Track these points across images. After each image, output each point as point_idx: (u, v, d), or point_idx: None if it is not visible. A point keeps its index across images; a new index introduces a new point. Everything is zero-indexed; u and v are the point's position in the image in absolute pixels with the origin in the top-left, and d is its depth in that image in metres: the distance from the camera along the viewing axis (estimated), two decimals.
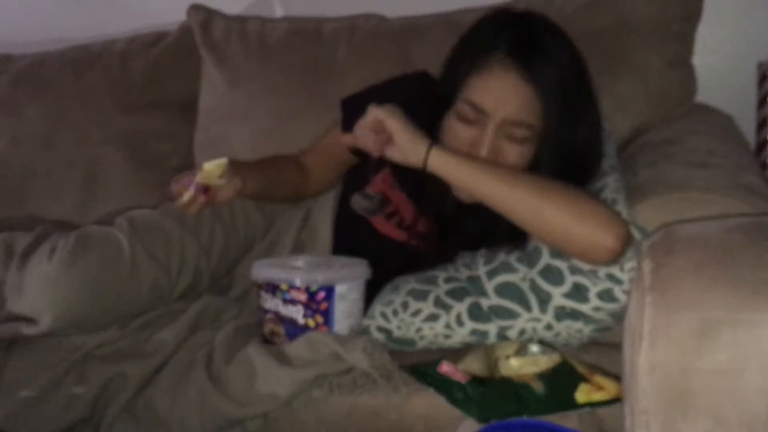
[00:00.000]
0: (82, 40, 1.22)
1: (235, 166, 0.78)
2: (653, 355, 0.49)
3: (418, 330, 0.72)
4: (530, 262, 0.69)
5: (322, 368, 0.68)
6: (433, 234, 0.78)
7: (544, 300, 0.68)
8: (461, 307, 0.71)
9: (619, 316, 0.68)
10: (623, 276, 0.65)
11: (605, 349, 0.71)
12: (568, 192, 0.65)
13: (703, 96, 1.00)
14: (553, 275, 0.68)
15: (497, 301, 0.70)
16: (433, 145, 0.68)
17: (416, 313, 0.72)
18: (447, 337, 0.72)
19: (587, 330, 0.69)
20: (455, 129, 0.72)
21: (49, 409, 0.68)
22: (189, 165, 1.15)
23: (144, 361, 0.71)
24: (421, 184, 0.74)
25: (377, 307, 0.74)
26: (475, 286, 0.71)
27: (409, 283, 0.74)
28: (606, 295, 0.66)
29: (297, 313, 0.72)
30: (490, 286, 0.70)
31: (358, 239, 0.83)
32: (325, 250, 0.84)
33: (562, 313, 0.68)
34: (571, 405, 0.62)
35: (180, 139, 1.16)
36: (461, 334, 0.71)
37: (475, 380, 0.63)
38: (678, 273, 0.50)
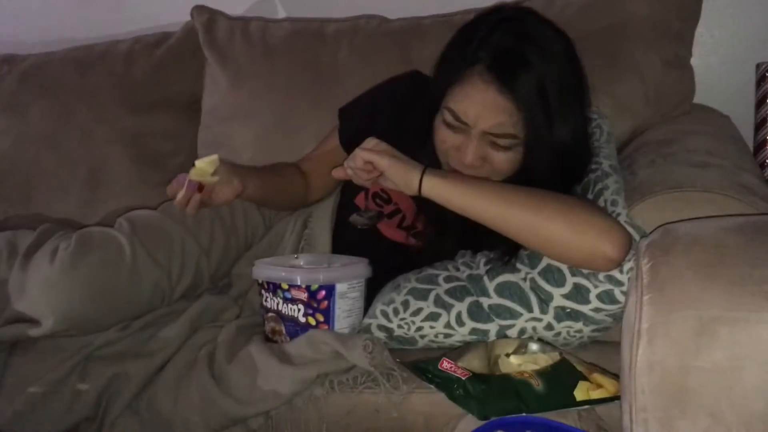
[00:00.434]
0: (87, 40, 1.23)
1: (236, 169, 0.79)
2: (651, 354, 0.49)
3: (419, 329, 0.72)
4: (531, 263, 0.70)
5: (323, 366, 0.68)
6: (432, 233, 0.78)
7: (544, 300, 0.69)
8: (462, 307, 0.71)
9: (618, 317, 0.68)
10: (623, 278, 0.65)
11: (604, 347, 0.72)
12: (565, 205, 0.65)
13: (701, 96, 1.00)
14: (553, 276, 0.68)
15: (498, 301, 0.70)
16: (426, 171, 0.69)
17: (417, 312, 0.72)
18: (447, 336, 0.72)
19: (587, 330, 0.70)
20: (442, 133, 0.73)
21: (53, 408, 0.68)
22: (192, 164, 1.16)
23: (146, 360, 0.72)
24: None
25: (378, 306, 0.75)
26: (475, 286, 0.72)
27: (410, 282, 0.75)
28: (606, 297, 0.67)
29: (298, 311, 0.73)
30: (490, 285, 0.71)
31: (357, 244, 0.83)
32: (324, 252, 0.84)
33: (562, 314, 0.69)
34: (570, 402, 0.62)
35: (184, 139, 1.16)
36: (461, 334, 0.72)
37: (476, 377, 0.63)
38: (676, 272, 0.51)
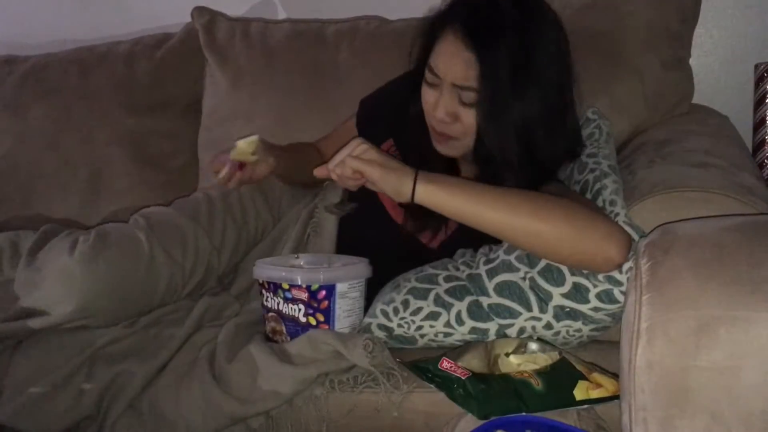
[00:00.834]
0: (88, 41, 1.23)
1: (267, 146, 0.83)
2: (651, 353, 0.50)
3: (419, 328, 0.73)
4: (530, 262, 0.70)
5: (324, 366, 0.68)
6: (426, 215, 0.78)
7: (543, 299, 0.69)
8: (461, 306, 0.71)
9: (617, 316, 0.69)
10: (622, 277, 0.65)
11: (603, 347, 0.72)
12: (565, 209, 0.65)
13: (700, 97, 1.01)
14: (553, 275, 0.68)
15: (497, 300, 0.70)
16: (419, 177, 0.66)
17: (417, 311, 0.72)
18: (447, 335, 0.72)
19: (586, 330, 0.70)
20: (424, 92, 0.75)
21: (57, 406, 0.68)
22: (193, 165, 1.17)
23: (149, 358, 0.72)
24: (424, 161, 0.73)
25: (378, 306, 0.75)
26: (475, 285, 0.72)
27: (410, 281, 0.75)
28: (605, 296, 0.67)
29: (298, 311, 0.73)
30: (490, 284, 0.71)
31: (363, 234, 0.83)
32: (329, 244, 0.85)
33: (561, 313, 0.69)
34: (570, 402, 0.62)
35: (184, 140, 1.17)
36: (461, 333, 0.72)
37: (475, 377, 0.63)
38: (675, 271, 0.51)
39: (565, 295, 0.68)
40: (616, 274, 0.66)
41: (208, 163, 0.84)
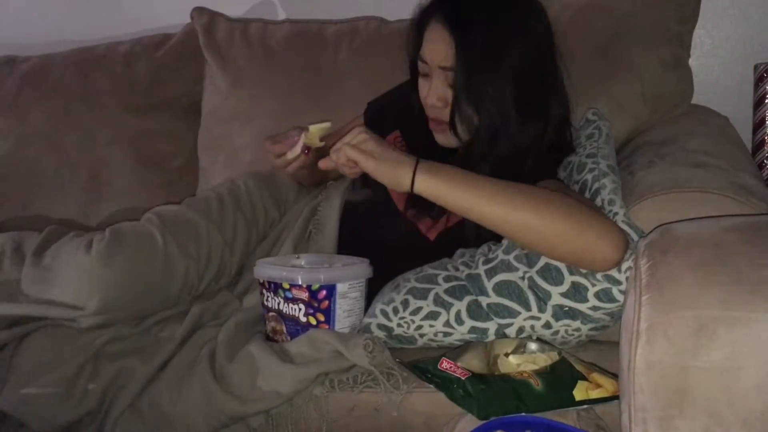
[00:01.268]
0: (87, 42, 1.23)
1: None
2: (650, 353, 0.50)
3: (419, 327, 0.73)
4: (529, 261, 0.70)
5: (324, 366, 0.69)
6: (424, 200, 0.78)
7: (542, 299, 0.69)
8: (461, 306, 0.71)
9: (617, 316, 0.69)
10: (621, 276, 0.66)
11: (603, 347, 0.72)
12: (564, 206, 0.65)
13: (700, 97, 1.01)
14: (552, 274, 0.68)
15: (496, 300, 0.70)
16: (419, 167, 0.66)
17: (416, 311, 0.73)
18: (447, 334, 0.72)
19: (585, 329, 0.70)
20: (419, 85, 0.78)
21: (60, 403, 0.68)
22: (193, 165, 1.17)
23: (150, 357, 0.72)
24: (428, 152, 0.73)
25: (378, 305, 0.75)
26: (474, 285, 0.72)
27: (410, 281, 0.75)
28: (604, 295, 0.67)
29: (299, 311, 0.73)
30: (489, 284, 0.71)
31: (363, 232, 0.84)
32: (330, 240, 0.85)
33: (560, 312, 0.69)
34: (570, 402, 0.62)
35: (184, 140, 1.17)
36: (461, 332, 0.72)
37: (475, 377, 0.63)
38: (675, 272, 0.51)
39: (564, 295, 0.68)
40: (614, 273, 0.66)
41: (266, 144, 0.84)
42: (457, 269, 0.75)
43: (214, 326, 0.77)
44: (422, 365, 0.67)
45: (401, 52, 0.83)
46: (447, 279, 0.74)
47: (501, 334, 0.71)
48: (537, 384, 0.62)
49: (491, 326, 0.71)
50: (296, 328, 0.74)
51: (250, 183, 0.88)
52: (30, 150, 1.14)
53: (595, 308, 0.68)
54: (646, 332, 0.50)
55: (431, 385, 0.66)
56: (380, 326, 0.74)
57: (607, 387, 0.63)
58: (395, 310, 0.73)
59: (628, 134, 0.94)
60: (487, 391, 0.62)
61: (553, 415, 0.61)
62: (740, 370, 0.47)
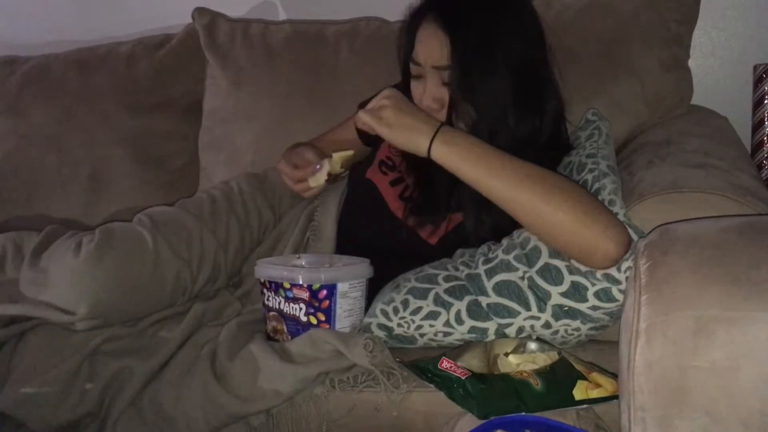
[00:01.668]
0: (89, 42, 1.23)
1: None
2: (649, 353, 0.50)
3: (419, 327, 0.73)
4: (529, 261, 0.70)
5: (324, 365, 0.69)
6: (425, 208, 0.79)
7: (542, 299, 0.69)
8: (461, 305, 0.72)
9: (616, 315, 0.69)
10: (620, 276, 0.66)
11: (603, 347, 0.72)
12: (575, 194, 0.65)
13: (699, 98, 1.01)
14: (551, 274, 0.68)
15: (496, 300, 0.71)
16: (438, 134, 0.68)
17: (416, 311, 0.73)
18: (447, 334, 0.73)
19: (585, 329, 0.70)
20: (412, 87, 0.78)
21: (59, 403, 0.68)
22: (194, 165, 1.17)
23: (149, 356, 0.72)
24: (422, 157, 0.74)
25: (378, 305, 0.75)
26: (474, 285, 0.72)
27: (410, 281, 0.75)
28: (604, 295, 0.67)
29: (299, 310, 0.73)
30: (489, 284, 0.71)
31: (363, 230, 0.84)
32: (328, 246, 0.85)
33: (560, 312, 0.69)
34: (569, 402, 0.62)
35: (185, 140, 1.17)
36: (461, 332, 0.72)
37: (475, 377, 0.63)
38: (674, 272, 0.51)
39: (564, 294, 0.68)
40: (614, 273, 0.66)
41: (284, 169, 0.85)
42: (457, 269, 0.75)
43: (215, 326, 0.77)
44: (422, 365, 0.67)
45: (401, 52, 0.83)
46: (447, 279, 0.74)
47: (501, 334, 0.71)
48: (537, 383, 0.62)
49: (491, 326, 0.71)
50: (297, 327, 0.74)
51: (243, 185, 0.87)
52: (31, 150, 1.14)
53: (594, 308, 0.68)
54: (646, 332, 0.50)
55: (431, 385, 0.66)
56: (380, 326, 0.74)
57: (606, 387, 0.64)
58: (395, 310, 0.74)
59: (628, 134, 0.94)
60: (487, 391, 0.62)
61: (553, 415, 0.61)
62: (739, 369, 0.47)
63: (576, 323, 0.70)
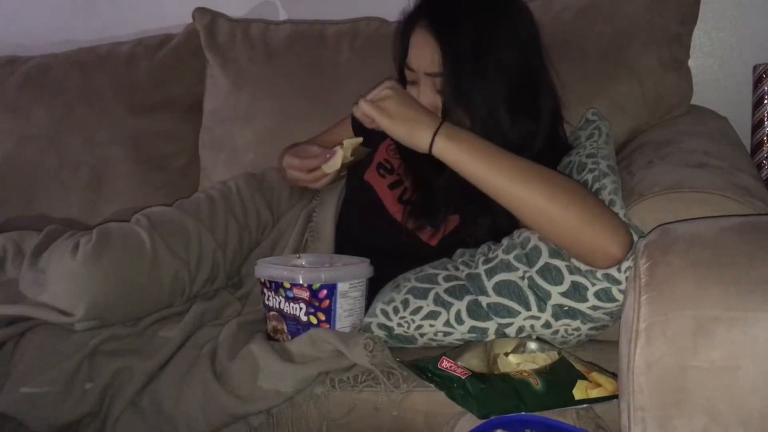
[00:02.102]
0: (89, 42, 1.23)
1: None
2: (649, 353, 0.50)
3: (419, 327, 0.73)
4: (529, 261, 0.70)
5: (324, 365, 0.69)
6: (424, 211, 0.78)
7: (542, 298, 0.69)
8: (461, 305, 0.72)
9: (616, 315, 0.69)
10: (620, 276, 0.66)
11: (602, 347, 0.72)
12: (579, 194, 0.65)
13: (699, 98, 1.01)
14: (551, 274, 0.68)
15: (496, 299, 0.71)
16: (440, 130, 0.67)
17: (416, 310, 0.73)
18: (447, 334, 0.73)
19: (585, 328, 0.70)
20: (408, 92, 0.77)
21: (59, 403, 0.69)
22: (194, 165, 1.17)
23: (149, 356, 0.72)
24: (421, 158, 0.73)
25: (378, 305, 0.75)
26: (474, 285, 0.72)
27: (410, 281, 0.75)
28: (604, 295, 0.67)
29: (299, 310, 0.73)
30: (489, 284, 0.71)
31: (362, 232, 0.84)
32: (327, 247, 0.85)
33: (560, 312, 0.69)
34: (569, 401, 0.62)
35: (185, 140, 1.17)
36: (461, 332, 0.72)
37: (475, 376, 0.63)
38: (674, 272, 0.51)
39: (564, 294, 0.68)
40: (614, 273, 0.66)
41: (292, 161, 0.84)
42: (457, 269, 0.75)
43: (215, 326, 0.77)
44: (422, 364, 0.67)
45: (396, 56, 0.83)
46: (447, 279, 0.74)
47: (501, 334, 0.71)
48: (537, 383, 0.62)
49: (491, 326, 0.71)
50: (297, 327, 0.74)
51: (241, 185, 0.88)
52: (31, 150, 1.15)
53: (594, 308, 0.68)
54: (646, 332, 0.50)
55: (431, 385, 0.66)
56: (380, 326, 0.74)
57: (606, 386, 0.64)
58: (395, 310, 0.74)
59: (628, 134, 0.94)
60: (487, 391, 0.62)
61: (553, 414, 0.61)
62: (739, 369, 0.47)
63: (576, 323, 0.70)
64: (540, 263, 0.69)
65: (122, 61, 1.17)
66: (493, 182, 0.66)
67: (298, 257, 0.82)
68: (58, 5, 1.33)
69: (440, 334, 0.73)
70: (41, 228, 0.81)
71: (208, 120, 1.15)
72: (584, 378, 0.64)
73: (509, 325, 0.71)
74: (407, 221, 0.80)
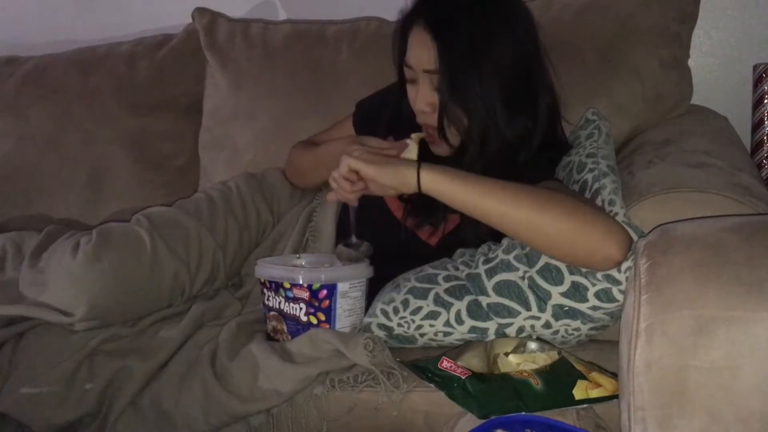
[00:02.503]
0: (89, 42, 1.23)
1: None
2: (649, 353, 0.50)
3: (419, 327, 0.73)
4: (529, 261, 0.70)
5: (324, 365, 0.69)
6: (426, 210, 0.78)
7: (542, 298, 0.69)
8: (461, 305, 0.72)
9: (616, 315, 0.69)
10: (620, 276, 0.66)
11: (603, 347, 0.72)
12: (568, 204, 0.65)
13: (699, 97, 1.01)
14: (551, 274, 0.68)
15: (496, 300, 0.71)
16: (423, 166, 0.68)
17: (417, 310, 0.73)
18: (447, 334, 0.73)
19: (585, 329, 0.70)
20: (408, 91, 0.78)
21: (59, 403, 0.69)
22: (194, 165, 1.17)
23: (149, 356, 0.72)
24: (423, 156, 0.74)
25: (378, 305, 0.75)
26: (474, 285, 0.72)
27: (410, 281, 0.75)
28: (604, 295, 0.67)
29: (299, 310, 0.73)
30: (489, 284, 0.71)
31: (363, 230, 0.84)
32: (327, 247, 0.85)
33: (560, 312, 0.69)
34: (569, 401, 0.62)
35: (185, 140, 1.17)
36: (461, 332, 0.72)
37: (475, 376, 0.63)
38: (674, 271, 0.51)
39: (564, 294, 0.68)
40: (614, 273, 0.66)
41: (374, 142, 0.80)
42: (457, 269, 0.75)
43: (215, 326, 0.77)
44: (422, 364, 0.67)
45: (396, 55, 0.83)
46: (447, 279, 0.74)
47: (501, 334, 0.71)
48: (537, 383, 0.62)
49: (491, 326, 0.71)
50: (297, 327, 0.74)
51: (241, 185, 0.88)
52: (31, 150, 1.14)
53: (594, 308, 0.68)
54: (646, 332, 0.50)
55: (431, 384, 0.66)
56: (380, 326, 0.74)
57: (606, 386, 0.64)
58: (395, 310, 0.74)
59: (628, 134, 0.94)
60: (487, 390, 0.62)
61: (553, 414, 0.61)
62: (739, 369, 0.47)
63: (576, 323, 0.70)
64: (540, 263, 0.69)
65: (122, 61, 1.17)
66: (483, 204, 0.67)
67: (298, 257, 0.82)
68: (58, 5, 1.32)
69: (440, 334, 0.73)
70: (41, 228, 0.81)
71: (207, 120, 1.15)
72: (584, 378, 0.64)
73: (509, 325, 0.71)
74: (407, 219, 0.80)
